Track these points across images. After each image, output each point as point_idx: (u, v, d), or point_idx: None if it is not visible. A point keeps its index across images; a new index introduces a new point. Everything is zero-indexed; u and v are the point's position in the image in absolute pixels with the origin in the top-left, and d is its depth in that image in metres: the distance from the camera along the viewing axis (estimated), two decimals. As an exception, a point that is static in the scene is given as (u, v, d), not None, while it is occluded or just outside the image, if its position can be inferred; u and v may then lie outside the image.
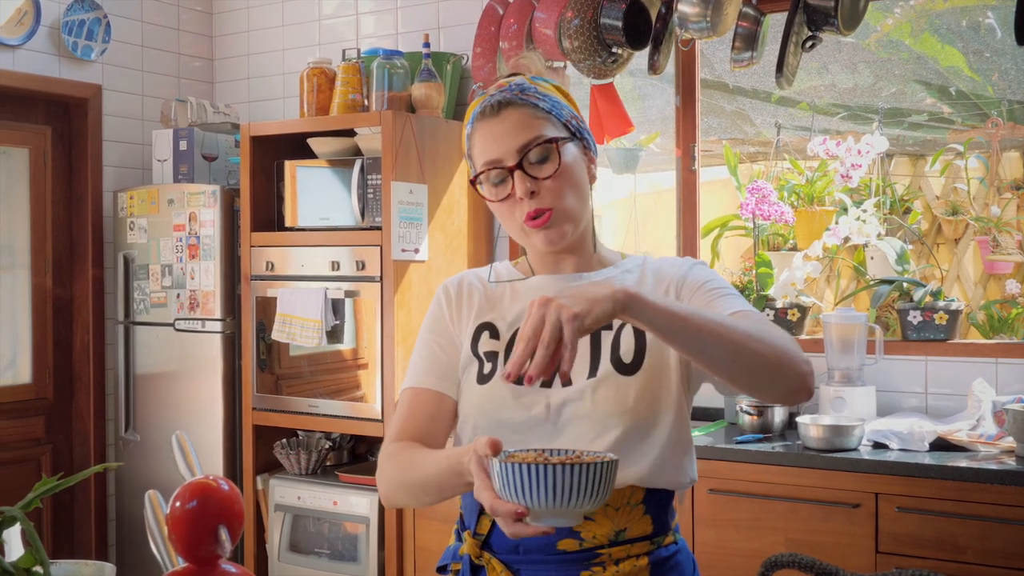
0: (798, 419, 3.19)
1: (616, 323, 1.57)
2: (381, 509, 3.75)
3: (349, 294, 3.80)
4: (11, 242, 4.34)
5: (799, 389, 1.45)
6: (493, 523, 1.53)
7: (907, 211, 4.13)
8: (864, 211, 3.64)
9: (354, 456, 4.20)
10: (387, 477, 1.59)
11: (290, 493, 3.92)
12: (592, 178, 1.65)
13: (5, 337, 4.33)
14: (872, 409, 3.35)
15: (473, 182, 1.62)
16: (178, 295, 4.25)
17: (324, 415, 3.88)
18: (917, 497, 2.88)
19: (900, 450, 3.04)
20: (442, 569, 1.64)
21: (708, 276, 1.61)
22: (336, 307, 3.82)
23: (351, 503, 3.79)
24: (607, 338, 1.57)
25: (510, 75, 1.66)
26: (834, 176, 3.84)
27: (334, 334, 3.84)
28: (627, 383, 1.53)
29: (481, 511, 1.56)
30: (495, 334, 1.62)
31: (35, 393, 4.38)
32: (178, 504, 0.89)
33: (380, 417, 3.74)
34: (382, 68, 3.91)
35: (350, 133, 3.96)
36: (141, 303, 4.35)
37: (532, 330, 1.29)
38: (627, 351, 1.55)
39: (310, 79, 4.02)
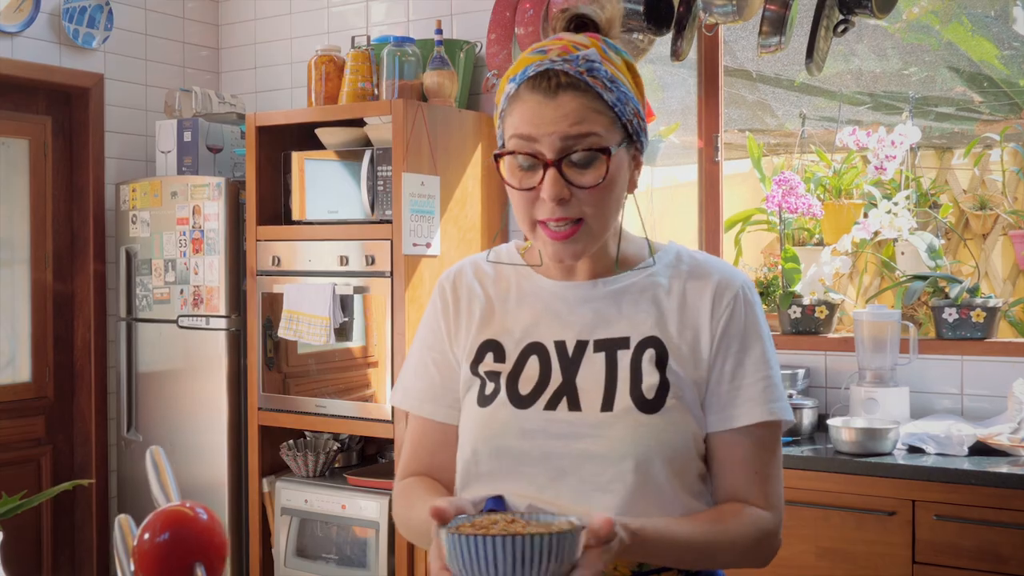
0: (829, 421, 3.04)
1: (634, 341, 1.39)
2: (391, 511, 3.60)
3: (358, 290, 3.66)
4: (10, 236, 4.21)
5: (756, 567, 1.42)
6: None
7: (933, 205, 3.98)
8: (895, 204, 3.48)
9: (363, 458, 4.06)
10: (396, 516, 1.50)
11: (297, 496, 3.78)
12: (633, 186, 1.42)
13: (4, 334, 4.19)
14: (905, 411, 3.20)
15: (497, 156, 1.38)
16: (181, 291, 4.11)
17: (332, 415, 3.73)
18: (956, 504, 2.73)
19: (937, 455, 2.89)
20: None
21: (747, 331, 1.40)
22: (345, 303, 3.68)
23: (360, 507, 3.65)
24: (624, 361, 1.37)
25: (578, 22, 1.41)
26: (864, 168, 3.68)
27: (343, 331, 3.69)
28: (648, 423, 1.33)
29: None
30: (500, 356, 1.43)
31: (35, 392, 4.25)
32: (147, 536, 0.74)
33: (390, 418, 3.60)
34: (393, 56, 3.76)
35: (359, 123, 3.81)
36: (143, 299, 4.21)
37: None
38: (649, 387, 1.36)
39: (318, 67, 3.88)
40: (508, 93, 1.39)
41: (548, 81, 1.33)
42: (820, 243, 3.80)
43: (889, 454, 2.92)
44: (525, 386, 1.40)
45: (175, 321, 4.12)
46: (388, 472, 3.74)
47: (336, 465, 3.93)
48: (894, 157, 3.54)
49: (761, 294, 3.66)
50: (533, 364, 1.41)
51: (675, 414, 1.35)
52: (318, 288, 3.68)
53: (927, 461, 2.83)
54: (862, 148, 3.65)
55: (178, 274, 4.12)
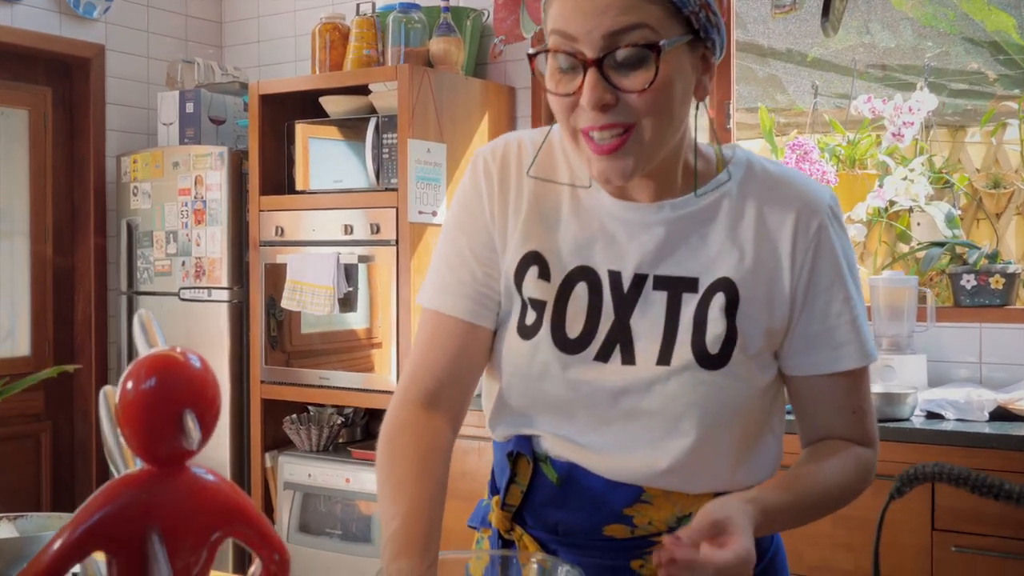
0: (845, 388, 2.96)
1: (703, 283, 1.19)
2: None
3: (363, 259, 3.59)
4: (9, 208, 4.14)
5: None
6: (525, 494, 1.25)
7: (947, 183, 3.91)
8: (911, 171, 3.41)
9: (367, 434, 3.98)
10: (377, 467, 1.23)
11: (300, 470, 3.71)
12: (703, 94, 1.18)
13: (3, 308, 4.13)
14: (923, 379, 3.12)
15: (532, 55, 1.15)
16: (183, 263, 4.04)
17: (336, 388, 3.66)
18: (979, 469, 2.64)
19: (957, 420, 2.81)
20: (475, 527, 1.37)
21: (835, 268, 1.21)
22: (349, 273, 3.61)
23: (364, 480, 3.58)
24: (688, 307, 1.19)
25: None
26: (880, 137, 3.61)
27: (347, 302, 3.62)
28: (709, 382, 1.17)
29: (511, 479, 1.26)
30: (545, 273, 1.22)
31: (34, 366, 4.18)
32: (130, 385, 0.67)
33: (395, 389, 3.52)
34: (398, 22, 3.69)
35: (364, 91, 3.74)
36: (145, 272, 4.14)
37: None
38: (714, 339, 1.18)
39: (322, 35, 3.81)
40: None
41: None
42: (833, 214, 3.72)
43: (907, 420, 2.84)
44: (573, 326, 1.21)
45: (176, 294, 4.05)
46: None
47: (340, 440, 3.86)
48: (912, 124, 3.47)
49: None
50: (581, 293, 1.21)
51: (741, 370, 1.18)
52: (322, 258, 3.61)
53: (947, 426, 2.75)
54: (878, 116, 3.57)
55: (180, 246, 4.05)
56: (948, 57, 4.43)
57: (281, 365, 3.80)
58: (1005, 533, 2.62)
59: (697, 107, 1.20)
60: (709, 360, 1.18)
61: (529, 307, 1.23)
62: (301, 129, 3.77)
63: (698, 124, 1.23)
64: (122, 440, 0.73)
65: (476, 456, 3.39)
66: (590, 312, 1.21)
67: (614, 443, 1.21)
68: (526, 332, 1.23)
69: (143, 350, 0.70)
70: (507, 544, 1.28)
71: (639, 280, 1.20)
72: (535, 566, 1.18)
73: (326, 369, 3.70)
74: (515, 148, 1.27)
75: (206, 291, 3.98)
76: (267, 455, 3.84)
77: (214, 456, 3.93)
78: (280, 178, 3.89)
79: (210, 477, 0.70)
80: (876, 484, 2.66)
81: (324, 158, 3.73)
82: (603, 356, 1.19)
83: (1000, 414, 2.82)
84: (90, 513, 0.66)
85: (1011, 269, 3.18)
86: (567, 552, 1.23)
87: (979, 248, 3.25)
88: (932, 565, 2.69)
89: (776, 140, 4.39)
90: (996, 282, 3.17)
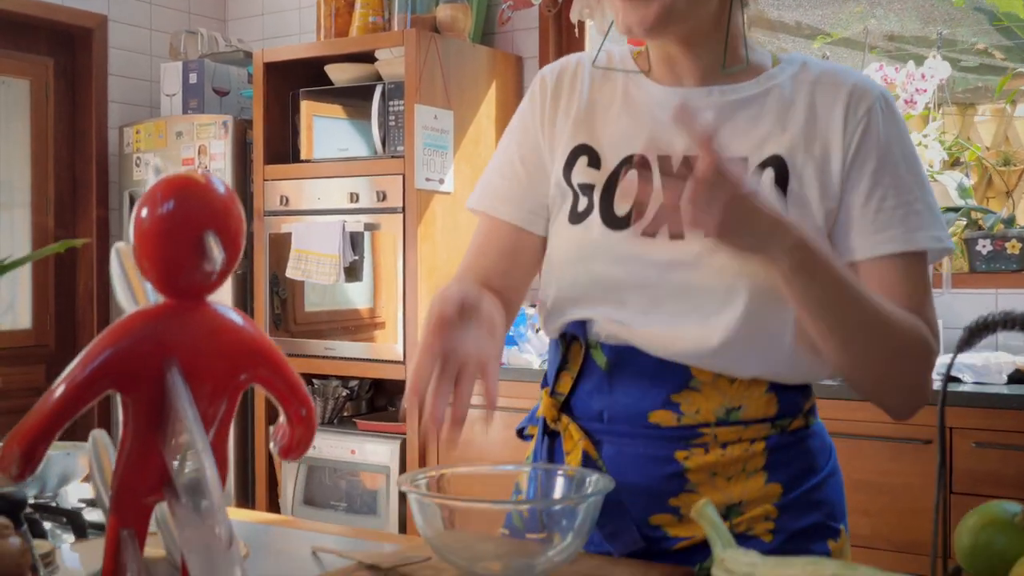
0: (860, 351, 2.91)
1: (753, 160, 1.18)
2: (402, 457, 3.48)
3: (369, 227, 3.54)
4: (10, 178, 4.09)
5: (902, 410, 1.23)
6: (576, 382, 1.23)
7: (956, 162, 3.87)
8: (926, 135, 3.36)
9: (372, 407, 3.93)
10: None
11: (305, 442, 3.65)
12: None
13: (4, 280, 4.07)
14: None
15: None
16: (186, 234, 3.99)
17: (342, 358, 3.61)
18: (997, 431, 2.61)
19: (975, 383, 2.76)
20: (521, 433, 1.34)
21: (887, 148, 1.18)
22: (355, 241, 3.56)
23: (370, 451, 3.53)
24: None
25: None
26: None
27: (352, 271, 3.57)
28: None
29: (561, 366, 1.25)
30: (595, 161, 1.23)
31: (35, 340, 4.13)
32: (146, 212, 0.62)
33: (402, 359, 3.47)
34: (405, -12, 3.64)
35: (369, 59, 3.69)
36: (147, 243, 4.10)
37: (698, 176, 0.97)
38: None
39: (328, 3, 3.77)
40: None
41: None
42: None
43: (925, 384, 2.79)
44: (621, 205, 1.21)
45: (180, 265, 4.00)
46: (399, 417, 3.62)
47: (345, 413, 3.80)
48: (924, 91, 3.42)
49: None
50: (632, 178, 1.19)
51: None
52: (327, 226, 3.56)
53: (965, 388, 2.70)
54: (890, 84, 3.52)
55: (183, 217, 4.00)
56: (955, 36, 4.39)
57: (285, 335, 3.75)
58: (1023, 495, 2.58)
59: None
60: None
61: (580, 194, 1.24)
62: (306, 97, 3.72)
63: (736, 6, 1.21)
64: (135, 288, 0.68)
65: (483, 425, 3.34)
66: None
67: (666, 321, 1.18)
68: (577, 218, 1.23)
69: (126, 302, 0.65)
70: (552, 435, 1.26)
71: (688, 162, 1.13)
72: (561, 478, 1.15)
73: (332, 340, 3.65)
74: (573, 62, 1.31)
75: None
76: (271, 428, 3.79)
77: (217, 429, 3.87)
78: (285, 147, 3.84)
79: (233, 314, 0.66)
80: (898, 447, 2.62)
81: (329, 126, 3.68)
82: (651, 231, 1.16)
83: (1018, 377, 2.78)
84: (102, 348, 0.62)
85: (1028, 234, 3.13)
86: (611, 441, 1.21)
87: (994, 213, 3.20)
88: (948, 529, 2.64)
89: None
90: (1012, 247, 3.12)
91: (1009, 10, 4.28)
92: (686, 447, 1.18)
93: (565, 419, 1.24)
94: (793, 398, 1.20)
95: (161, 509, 0.80)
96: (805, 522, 1.19)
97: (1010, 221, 3.18)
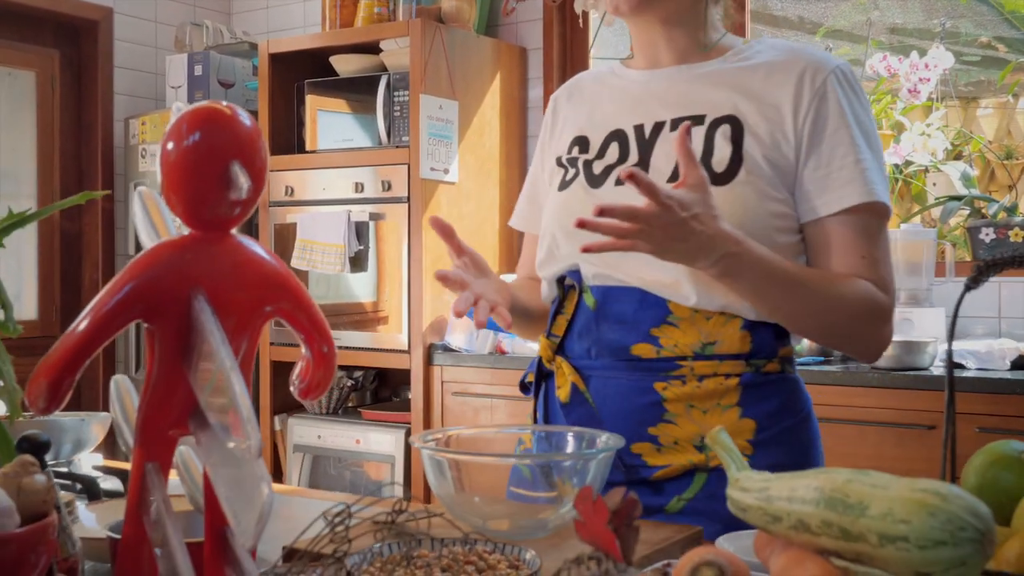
0: (864, 338, 2.92)
1: (709, 118, 1.32)
2: (407, 447, 3.49)
3: (374, 216, 3.55)
4: (15, 169, 4.11)
5: (864, 357, 1.35)
6: (569, 324, 1.38)
7: (958, 156, 3.87)
8: (929, 125, 3.37)
9: (377, 398, 3.94)
10: None
11: (310, 432, 3.67)
12: None
13: (9, 270, 4.09)
14: (941, 332, 3.08)
15: None
16: (192, 225, 4.00)
17: (347, 348, 3.62)
18: (1001, 416, 2.61)
19: (978, 369, 2.77)
20: (524, 386, 1.47)
21: (839, 116, 1.30)
22: (360, 231, 3.57)
23: (375, 441, 3.54)
24: (697, 137, 1.30)
25: None
26: (894, 98, 3.57)
27: (357, 260, 3.58)
28: (715, 195, 1.21)
29: (558, 310, 1.40)
30: (585, 147, 1.42)
31: (40, 331, 4.14)
32: (171, 145, 0.63)
33: (407, 348, 3.48)
34: (410, -21, 3.66)
35: (374, 51, 3.70)
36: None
37: (633, 215, 1.13)
38: (721, 159, 1.29)
39: (333, -7, 3.78)
40: None
41: None
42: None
43: (927, 369, 2.80)
44: (599, 167, 1.38)
45: (185, 256, 4.01)
46: (404, 407, 3.63)
47: (349, 404, 3.82)
48: (928, 80, 3.43)
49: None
50: (613, 149, 1.38)
51: (747, 188, 1.27)
52: (332, 216, 3.58)
53: (968, 374, 2.71)
54: (893, 74, 3.53)
55: (188, 207, 4.02)
56: (958, 28, 4.39)
57: (291, 326, 3.76)
58: None
59: None
60: (716, 177, 1.27)
61: (568, 168, 1.42)
62: (311, 89, 3.74)
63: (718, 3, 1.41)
64: (159, 227, 0.69)
65: (488, 413, 3.36)
66: (619, 159, 1.37)
67: (641, 268, 1.30)
68: (564, 186, 1.41)
69: (147, 240, 0.66)
70: (546, 376, 1.41)
71: (658, 126, 1.36)
72: (571, 438, 1.16)
73: (337, 329, 3.66)
74: (574, 79, 1.55)
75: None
76: (276, 418, 3.81)
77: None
78: (290, 138, 3.85)
79: (257, 247, 0.67)
80: (902, 432, 2.63)
81: (334, 117, 3.70)
82: (621, 182, 1.22)
83: (1022, 363, 2.78)
84: (128, 279, 0.63)
85: (1031, 222, 3.14)
86: (598, 375, 1.33)
87: (997, 201, 3.21)
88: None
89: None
90: (1015, 235, 3.13)
91: (1014, 8, 4.29)
92: (665, 379, 1.29)
93: (559, 359, 1.37)
94: (766, 338, 1.30)
95: (180, 454, 0.81)
96: (778, 459, 1.27)
97: (1013, 209, 3.18)
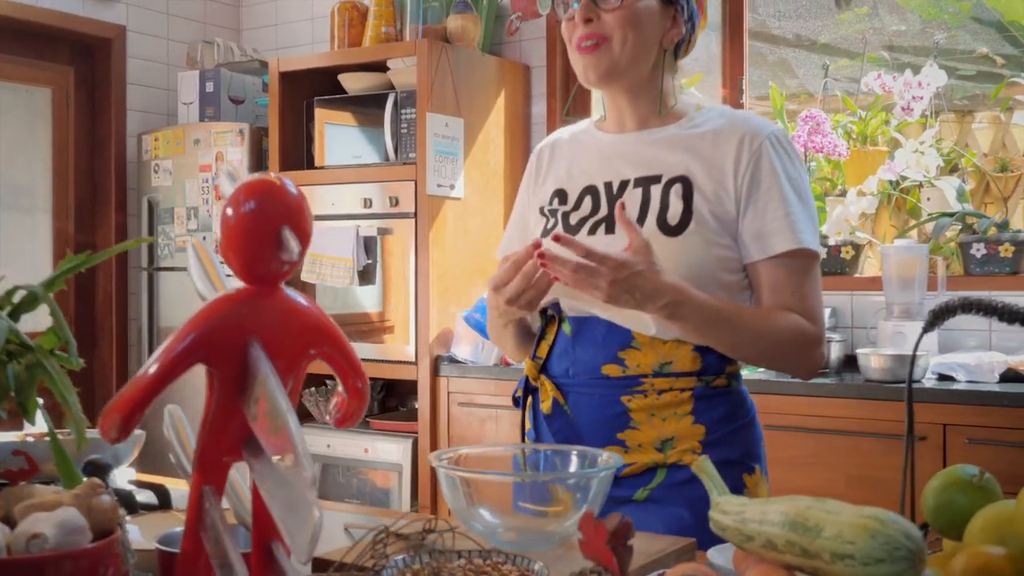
0: (858, 351, 3.02)
1: (665, 178, 1.57)
2: (414, 456, 3.59)
3: (382, 231, 3.65)
4: (31, 184, 4.21)
5: (798, 376, 1.60)
6: (551, 347, 1.62)
7: (954, 168, 3.96)
8: (922, 142, 3.46)
9: (384, 407, 4.04)
10: (490, 333, 1.77)
11: (318, 441, 3.77)
12: (669, 43, 1.61)
13: (24, 282, 4.19)
14: (933, 345, 3.18)
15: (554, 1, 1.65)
16: (204, 239, 4.10)
17: (355, 358, 3.71)
18: (989, 427, 2.70)
19: (968, 381, 2.86)
20: (516, 399, 1.71)
21: (772, 175, 1.54)
22: (368, 246, 3.67)
23: (382, 450, 3.63)
24: (655, 194, 1.56)
25: None
26: (889, 115, 3.66)
27: (366, 274, 3.68)
28: (670, 246, 1.50)
29: (541, 337, 1.64)
30: (564, 199, 1.65)
31: (55, 342, 4.24)
32: (231, 211, 0.73)
33: (414, 359, 3.58)
34: (417, 0, 3.76)
35: (382, 69, 3.81)
36: (166, 247, 4.21)
37: (577, 269, 1.39)
38: (674, 214, 1.53)
39: (341, 13, 3.88)
40: None
41: None
42: (843, 194, 3.77)
43: (918, 382, 2.90)
44: (576, 218, 1.62)
45: (197, 269, 4.11)
46: (411, 417, 3.72)
47: (358, 412, 3.90)
48: (921, 98, 3.53)
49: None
50: (587, 203, 1.63)
51: (696, 238, 1.52)
52: (341, 231, 3.68)
53: (958, 387, 2.80)
54: (887, 91, 3.63)
55: (200, 222, 4.12)
56: (956, 42, 4.48)
57: (300, 337, 3.85)
58: (1015, 489, 2.66)
59: (664, 54, 1.61)
60: (670, 229, 1.52)
61: (550, 218, 1.65)
62: (320, 106, 3.84)
63: (667, 73, 1.63)
64: (213, 278, 0.78)
65: (493, 423, 3.45)
66: (592, 210, 1.61)
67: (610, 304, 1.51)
68: (545, 233, 1.63)
69: (204, 290, 0.77)
70: (531, 391, 1.65)
71: (624, 183, 1.60)
72: (575, 456, 1.26)
73: (345, 341, 3.75)
74: (555, 135, 1.77)
75: (226, 266, 4.04)
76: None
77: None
78: (299, 154, 3.95)
79: (301, 298, 0.76)
80: (893, 442, 2.71)
81: (343, 134, 3.80)
82: (593, 230, 1.58)
83: (1010, 376, 2.87)
84: (194, 327, 0.72)
85: (1021, 237, 3.23)
86: (574, 390, 1.58)
87: (988, 218, 3.30)
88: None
89: (786, 119, 4.45)
90: (1006, 250, 3.23)
91: (1014, 19, 4.38)
92: (630, 393, 1.54)
93: (542, 377, 1.62)
94: (714, 359, 1.55)
95: (229, 478, 0.90)
96: (724, 456, 1.52)
97: (1004, 226, 3.28)
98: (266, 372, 0.69)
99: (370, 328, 3.73)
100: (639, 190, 1.57)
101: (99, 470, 0.96)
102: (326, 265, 3.70)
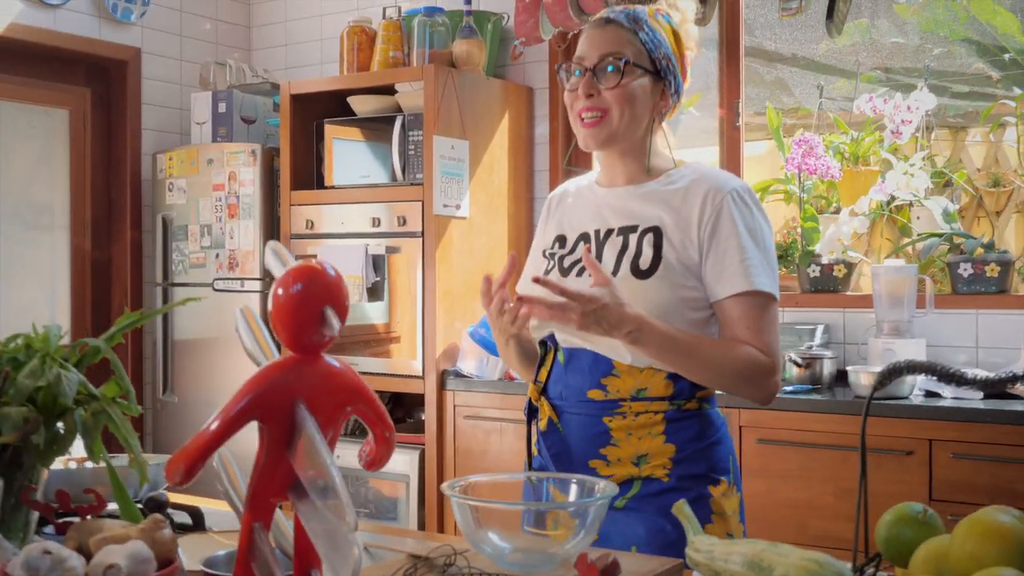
0: (849, 368, 3.14)
1: (640, 228, 1.80)
2: (421, 467, 3.71)
3: (390, 250, 3.78)
4: (51, 202, 4.35)
5: (755, 402, 1.80)
6: (549, 372, 1.85)
7: (948, 183, 4.07)
8: (912, 165, 3.59)
9: (392, 420, 4.15)
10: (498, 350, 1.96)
11: (329, 452, 3.89)
12: (659, 113, 1.85)
13: (44, 298, 4.33)
14: (922, 362, 3.29)
15: (558, 67, 1.87)
16: (217, 255, 4.23)
17: (364, 372, 3.81)
18: (972, 443, 2.82)
19: (953, 398, 2.99)
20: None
21: (731, 226, 1.76)
22: (376, 263, 3.80)
23: (391, 461, 3.73)
24: (632, 242, 1.79)
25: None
26: (881, 135, 3.78)
27: (374, 291, 3.81)
28: (641, 287, 1.74)
29: (541, 363, 1.88)
30: (563, 244, 1.90)
31: (73, 354, 4.37)
32: (280, 291, 0.85)
33: (421, 373, 3.71)
34: (423, 25, 3.89)
35: (390, 91, 3.93)
36: (180, 264, 4.35)
37: (558, 305, 1.63)
38: (646, 259, 1.76)
39: (350, 37, 4.01)
40: (582, 33, 1.87)
41: (603, 19, 1.84)
42: (837, 211, 3.90)
43: (906, 398, 3.02)
44: (569, 262, 1.87)
45: (211, 284, 4.24)
46: (418, 429, 3.85)
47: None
48: (909, 122, 3.65)
49: (780, 257, 3.77)
50: (581, 247, 1.87)
51: (663, 281, 1.75)
52: (351, 249, 3.80)
53: (944, 403, 2.92)
54: (879, 114, 3.75)
55: (214, 239, 4.25)
56: (952, 57, 4.59)
57: (311, 352, 3.98)
58: (999, 502, 2.78)
59: (654, 121, 1.84)
60: (641, 272, 1.76)
61: (550, 261, 1.90)
62: (330, 127, 3.97)
63: (655, 136, 1.86)
64: (261, 341, 0.91)
65: (498, 435, 3.58)
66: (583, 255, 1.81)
67: (594, 336, 1.73)
68: (545, 274, 1.86)
69: (254, 353, 0.89)
70: (533, 410, 1.88)
71: (609, 232, 1.84)
72: (575, 485, 1.39)
73: (354, 355, 3.89)
74: (564, 186, 2.02)
75: (239, 282, 4.18)
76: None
77: (247, 438, 4.10)
78: (309, 174, 4.08)
79: (339, 364, 0.89)
80: (881, 457, 2.83)
81: (351, 155, 3.92)
82: (580, 273, 1.82)
83: (994, 393, 2.99)
84: (249, 390, 0.85)
85: (1006, 258, 3.36)
86: (566, 410, 1.82)
87: (975, 238, 3.42)
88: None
89: (782, 139, 4.57)
90: (992, 270, 3.35)
91: (1008, 31, 4.49)
92: (611, 414, 1.77)
93: (542, 399, 1.86)
94: (685, 385, 1.77)
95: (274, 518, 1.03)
96: (692, 471, 1.76)
97: (990, 246, 3.40)
98: (311, 430, 0.82)
99: (378, 343, 3.86)
100: (620, 238, 1.82)
101: (159, 506, 1.09)
102: (336, 282, 3.82)
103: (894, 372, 0.97)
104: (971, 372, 1.00)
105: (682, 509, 1.05)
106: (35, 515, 1.05)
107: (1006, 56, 4.41)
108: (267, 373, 0.86)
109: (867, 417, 0.99)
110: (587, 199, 1.93)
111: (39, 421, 0.95)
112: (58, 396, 0.98)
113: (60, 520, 1.03)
